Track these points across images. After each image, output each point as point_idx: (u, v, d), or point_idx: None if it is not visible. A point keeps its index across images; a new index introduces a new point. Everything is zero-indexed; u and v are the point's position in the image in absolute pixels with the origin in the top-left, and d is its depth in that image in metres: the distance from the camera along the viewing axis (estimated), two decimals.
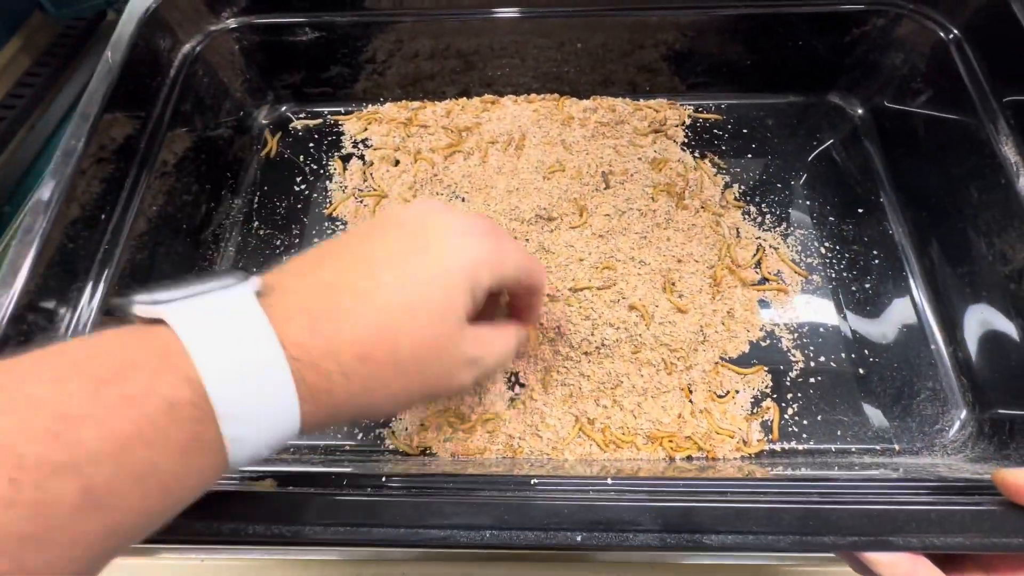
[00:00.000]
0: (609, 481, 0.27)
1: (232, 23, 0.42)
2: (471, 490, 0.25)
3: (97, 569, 0.17)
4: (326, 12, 0.43)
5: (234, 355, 0.18)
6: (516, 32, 0.45)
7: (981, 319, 0.37)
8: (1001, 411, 0.34)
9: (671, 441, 0.35)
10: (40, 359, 0.17)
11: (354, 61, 0.47)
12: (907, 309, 0.40)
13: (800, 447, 0.35)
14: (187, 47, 0.41)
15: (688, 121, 0.47)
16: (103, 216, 0.35)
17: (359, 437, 0.36)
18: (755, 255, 0.41)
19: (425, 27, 0.45)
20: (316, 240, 0.43)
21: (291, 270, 0.22)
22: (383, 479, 0.26)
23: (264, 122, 0.48)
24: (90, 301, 0.33)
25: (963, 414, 0.36)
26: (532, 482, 0.26)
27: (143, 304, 0.19)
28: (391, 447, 0.35)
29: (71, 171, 0.33)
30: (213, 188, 0.44)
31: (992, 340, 0.36)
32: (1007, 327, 0.36)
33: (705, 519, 0.23)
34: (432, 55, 0.47)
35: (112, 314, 0.20)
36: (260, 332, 0.19)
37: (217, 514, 0.23)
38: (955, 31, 0.39)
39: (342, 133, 0.48)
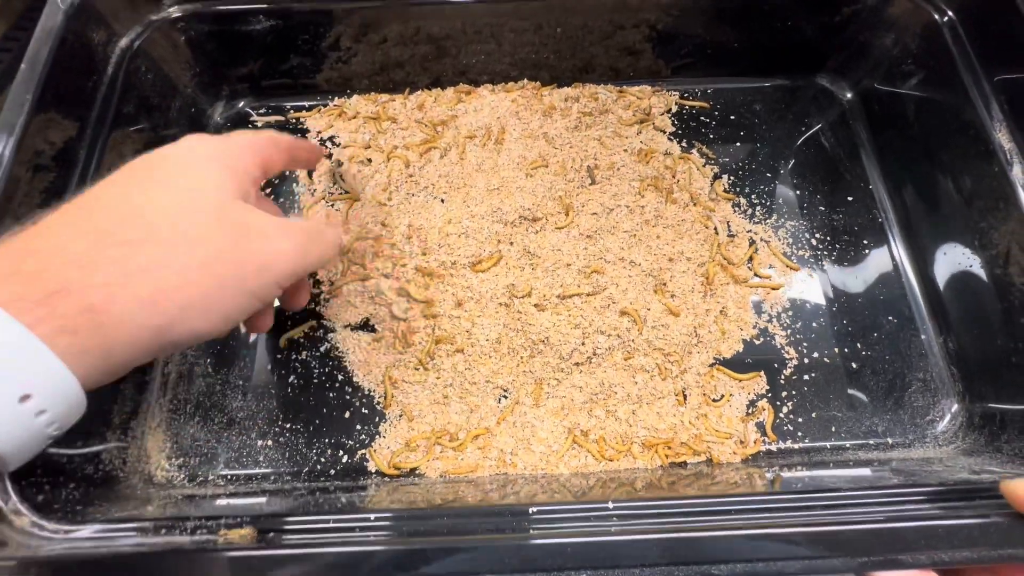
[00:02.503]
0: (610, 505, 0.26)
1: (175, 11, 0.38)
2: (466, 530, 0.23)
3: None
4: None
5: None
6: (490, 15, 0.42)
7: (969, 306, 0.37)
8: (992, 404, 0.34)
9: (667, 447, 0.34)
10: None
11: (316, 50, 0.43)
12: (898, 299, 0.39)
13: (796, 446, 0.35)
14: (125, 40, 0.37)
15: (674, 108, 0.45)
16: None
17: (344, 460, 0.34)
18: (747, 251, 0.39)
19: (392, 13, 0.41)
20: None
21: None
22: (371, 518, 0.25)
23: (220, 120, 0.44)
24: None
25: (954, 405, 0.36)
26: (531, 511, 0.25)
27: None
28: (375, 470, 0.34)
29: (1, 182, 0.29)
30: None
31: (980, 326, 0.36)
32: (993, 313, 0.36)
33: (713, 548, 0.22)
34: (401, 42, 0.43)
35: None
36: None
37: None
38: (948, 11, 0.38)
39: (307, 130, 0.45)
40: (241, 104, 0.45)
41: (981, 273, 0.36)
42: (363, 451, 0.34)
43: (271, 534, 0.23)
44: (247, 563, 0.21)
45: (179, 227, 0.20)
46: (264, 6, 0.39)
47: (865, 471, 0.32)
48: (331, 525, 0.24)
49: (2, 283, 0.16)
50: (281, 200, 0.42)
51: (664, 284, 0.37)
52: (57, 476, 0.27)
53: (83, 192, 0.21)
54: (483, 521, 0.24)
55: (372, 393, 0.36)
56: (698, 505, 0.26)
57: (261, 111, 0.45)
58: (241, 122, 0.45)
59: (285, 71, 0.44)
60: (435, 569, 0.21)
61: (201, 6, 0.38)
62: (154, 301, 0.19)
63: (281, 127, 0.45)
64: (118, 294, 0.18)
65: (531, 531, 0.24)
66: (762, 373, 0.36)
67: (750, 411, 0.35)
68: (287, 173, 0.43)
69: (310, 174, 0.43)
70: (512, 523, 0.24)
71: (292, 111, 0.45)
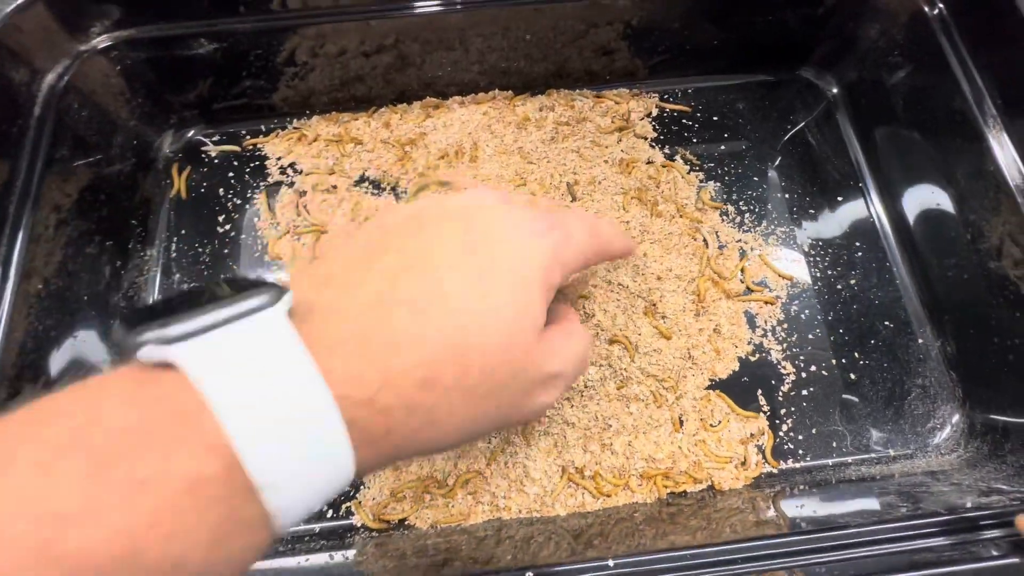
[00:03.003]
0: (611, 564, 0.24)
1: (104, 40, 0.35)
2: None
3: None
4: (221, 19, 0.35)
5: (272, 406, 0.14)
6: (455, 22, 0.39)
7: (965, 303, 0.36)
8: (992, 409, 0.34)
9: (666, 477, 0.33)
10: (21, 427, 0.13)
11: (270, 67, 0.40)
12: (894, 302, 0.38)
13: (797, 465, 0.34)
14: (51, 76, 0.34)
15: (655, 112, 0.43)
16: None
17: (328, 515, 0.33)
18: (738, 263, 0.38)
19: (346, 28, 0.38)
20: None
21: (327, 278, 0.18)
22: None
23: (169, 152, 0.41)
24: None
25: (954, 412, 0.35)
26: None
27: (149, 343, 0.15)
28: (360, 524, 0.32)
29: None
30: (117, 241, 0.37)
31: (977, 324, 0.35)
32: (989, 310, 0.35)
33: None
34: (360, 54, 0.40)
35: (115, 349, 0.16)
36: (301, 371, 0.15)
37: None
38: (938, 3, 0.36)
39: (265, 156, 0.42)
40: (191, 133, 0.42)
41: (975, 269, 0.35)
42: (348, 504, 0.33)
43: None
44: None
45: (479, 379, 0.18)
46: (203, 29, 0.35)
47: (871, 500, 0.30)
48: None
49: (357, 406, 0.16)
50: (243, 237, 0.39)
51: (654, 305, 0.35)
52: None
53: (406, 249, 0.19)
54: None
55: None
56: (701, 556, 0.25)
57: (214, 139, 0.42)
58: (193, 152, 0.41)
59: (238, 93, 0.41)
60: None
61: (134, 32, 0.35)
62: (429, 445, 0.18)
63: (238, 156, 0.42)
64: (416, 436, 0.17)
65: None
66: (761, 415, 0.34)
67: (750, 433, 0.34)
68: (246, 206, 0.40)
69: (272, 207, 0.40)
70: None
71: (248, 137, 0.42)
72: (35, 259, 0.32)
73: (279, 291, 0.16)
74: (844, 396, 0.35)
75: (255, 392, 0.14)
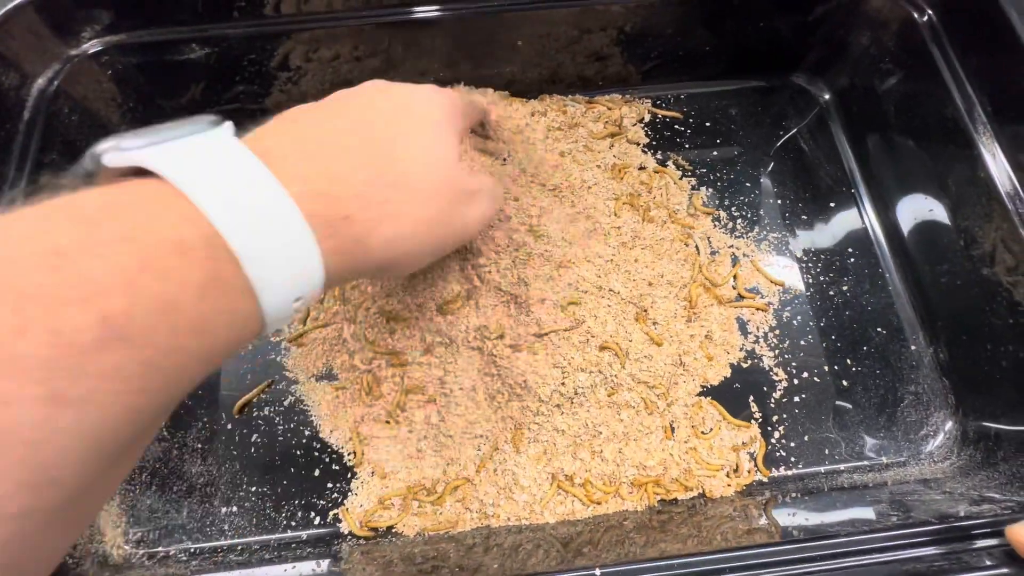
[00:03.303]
0: (597, 573, 0.24)
1: (95, 45, 0.35)
2: None
3: (156, 413, 0.16)
4: (214, 24, 0.35)
5: (236, 193, 0.16)
6: (445, 31, 0.39)
7: (959, 311, 0.36)
8: (985, 416, 0.33)
9: (657, 485, 0.33)
10: (17, 209, 0.15)
11: (263, 71, 0.40)
12: (886, 309, 0.38)
13: (789, 472, 0.34)
14: (41, 81, 0.33)
15: (647, 117, 0.43)
16: None
17: (316, 522, 0.32)
18: (729, 270, 0.38)
19: (338, 34, 0.38)
20: None
21: (264, 130, 0.20)
22: None
23: None
24: None
25: (946, 419, 0.35)
26: None
27: (111, 152, 0.16)
28: (347, 532, 0.32)
29: None
30: None
31: (969, 331, 0.35)
32: (982, 315, 0.34)
33: None
34: (352, 60, 0.40)
35: (74, 180, 0.17)
36: (255, 168, 0.17)
37: None
38: (924, 6, 0.36)
39: None
40: None
41: (969, 275, 0.35)
42: (335, 511, 0.32)
43: None
44: None
45: (421, 183, 0.22)
46: (194, 34, 0.35)
47: (864, 509, 0.30)
48: None
49: (313, 199, 0.18)
50: None
51: (645, 311, 0.35)
52: None
53: (339, 103, 0.23)
54: None
55: (341, 449, 0.33)
56: (691, 565, 0.24)
57: None
58: None
59: (230, 98, 0.41)
60: None
61: (125, 37, 0.35)
62: (391, 243, 0.21)
63: None
64: (375, 231, 0.20)
65: None
66: (753, 424, 0.34)
67: (742, 441, 0.34)
68: None
69: None
70: None
71: None
72: None
73: (220, 120, 0.19)
74: (837, 403, 0.35)
75: (220, 183, 0.16)
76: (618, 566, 0.24)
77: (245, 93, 0.41)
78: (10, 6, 0.30)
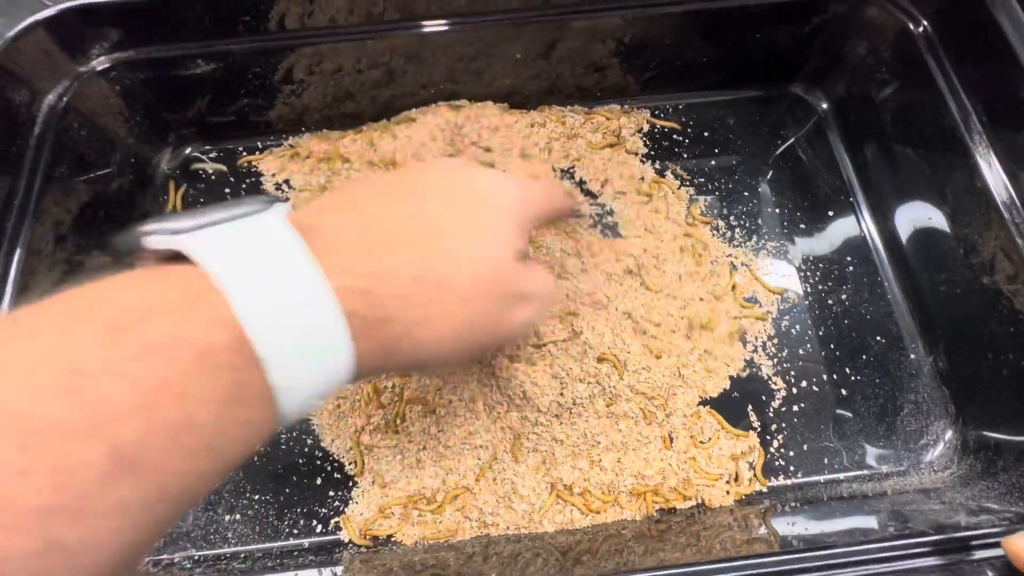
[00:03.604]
0: None
1: (103, 62, 0.35)
2: None
3: (152, 540, 0.15)
4: (219, 40, 0.36)
5: (275, 289, 0.16)
6: (445, 44, 0.39)
7: (957, 318, 0.36)
8: (985, 427, 0.33)
9: (656, 495, 0.33)
10: (41, 309, 0.15)
11: (267, 84, 0.41)
12: (885, 318, 0.38)
13: (788, 482, 0.34)
14: (51, 97, 0.34)
15: (646, 128, 0.43)
16: None
17: (317, 531, 0.33)
18: (728, 279, 0.38)
19: (341, 48, 0.39)
20: None
21: (322, 209, 0.20)
22: None
23: (167, 168, 0.42)
24: None
25: (946, 428, 0.35)
26: None
27: (156, 235, 0.16)
28: (347, 540, 0.32)
29: None
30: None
31: (969, 340, 0.35)
32: (982, 324, 0.34)
33: None
34: (353, 72, 0.41)
35: (115, 256, 0.17)
36: (301, 260, 0.17)
37: None
38: (921, 18, 0.36)
39: (260, 173, 0.42)
40: (188, 150, 0.42)
41: (968, 283, 0.35)
42: (336, 519, 0.33)
43: None
44: None
45: (470, 283, 0.20)
46: (200, 50, 0.36)
47: (863, 518, 0.30)
48: None
49: (356, 297, 0.17)
50: None
51: (643, 326, 0.35)
52: None
53: (395, 185, 0.22)
54: None
55: (342, 458, 0.34)
56: (688, 575, 0.25)
57: (211, 155, 0.43)
58: (190, 168, 0.42)
59: (235, 111, 0.42)
60: None
61: (133, 54, 0.36)
62: (429, 346, 0.20)
63: (234, 172, 0.42)
64: (414, 333, 0.19)
65: None
66: (752, 433, 0.34)
67: (741, 450, 0.34)
68: None
69: None
70: None
71: (244, 154, 0.43)
72: (34, 273, 0.32)
73: (274, 200, 0.18)
74: (836, 412, 0.35)
75: (260, 277, 0.16)
76: (617, 575, 0.24)
77: (249, 106, 0.42)
78: (21, 26, 0.31)
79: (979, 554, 0.24)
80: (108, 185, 0.38)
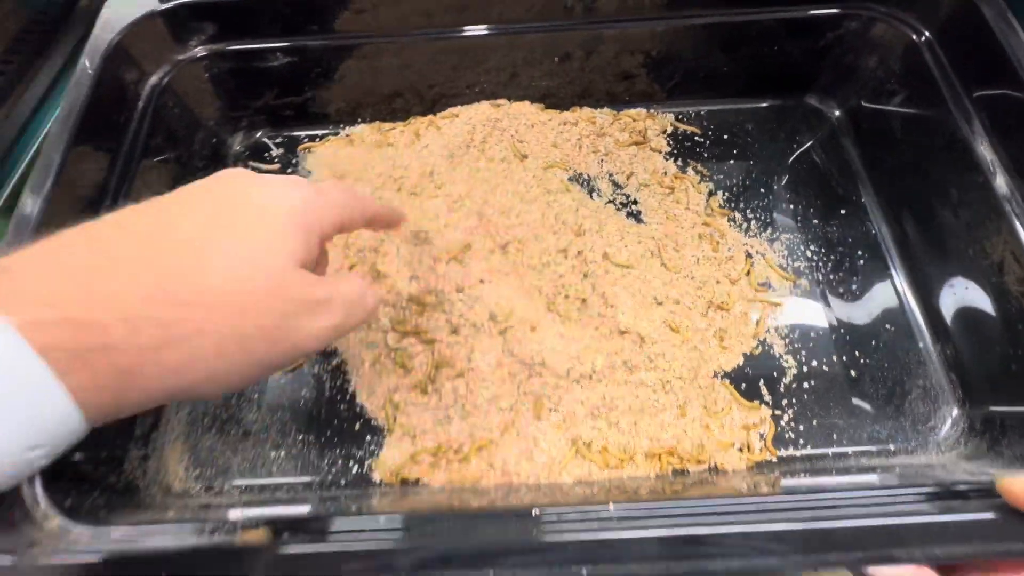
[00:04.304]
0: (611, 507, 0.26)
1: (201, 51, 0.41)
2: (470, 528, 0.24)
3: None
4: (297, 36, 0.42)
5: None
6: (489, 48, 0.44)
7: (966, 313, 0.38)
8: (993, 408, 0.35)
9: (671, 455, 0.35)
10: None
11: (328, 81, 0.46)
12: (894, 308, 0.40)
13: (798, 453, 0.35)
14: (154, 78, 0.40)
15: (669, 130, 0.47)
16: None
17: (354, 471, 0.35)
18: (743, 265, 0.41)
19: (396, 47, 0.44)
20: None
21: (59, 235, 0.18)
22: (381, 520, 0.26)
23: (239, 149, 0.47)
24: None
25: (954, 411, 0.36)
26: (533, 513, 0.26)
27: None
28: (379, 480, 0.35)
29: (38, 213, 0.32)
30: None
31: (977, 334, 0.37)
32: (991, 320, 0.36)
33: (710, 545, 0.23)
34: (403, 73, 0.46)
35: None
36: None
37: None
38: (927, 33, 0.40)
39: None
40: (259, 134, 0.48)
41: (977, 282, 0.37)
42: (370, 461, 0.35)
43: (285, 534, 0.24)
44: (264, 560, 0.22)
45: (234, 294, 0.18)
46: (282, 44, 0.42)
47: (867, 477, 0.32)
48: (341, 528, 0.25)
49: (55, 327, 0.16)
50: None
51: (662, 302, 0.38)
52: (83, 483, 0.29)
53: (150, 206, 0.20)
54: (487, 522, 0.25)
55: (376, 415, 0.37)
56: (696, 507, 0.27)
57: (276, 140, 0.48)
58: (258, 151, 0.47)
59: (300, 102, 0.47)
60: (440, 565, 0.22)
61: (224, 45, 0.41)
62: (181, 370, 0.18)
63: (292, 155, 0.47)
64: (151, 359, 0.17)
65: (534, 531, 0.24)
66: (762, 407, 0.36)
67: (753, 422, 0.36)
68: None
69: None
70: (516, 524, 0.25)
71: (306, 140, 0.48)
72: None
73: None
74: (845, 391, 0.37)
75: None
76: (631, 503, 0.27)
77: (312, 99, 0.47)
78: (141, 14, 0.37)
79: (976, 500, 0.25)
80: (190, 160, 0.43)
